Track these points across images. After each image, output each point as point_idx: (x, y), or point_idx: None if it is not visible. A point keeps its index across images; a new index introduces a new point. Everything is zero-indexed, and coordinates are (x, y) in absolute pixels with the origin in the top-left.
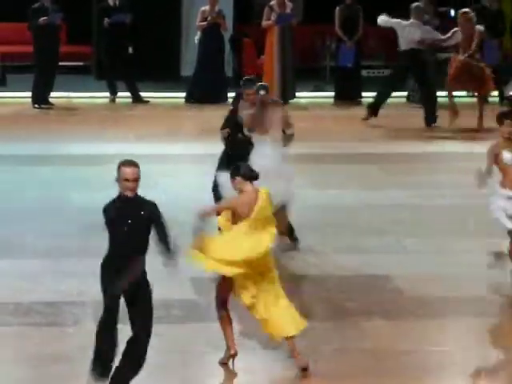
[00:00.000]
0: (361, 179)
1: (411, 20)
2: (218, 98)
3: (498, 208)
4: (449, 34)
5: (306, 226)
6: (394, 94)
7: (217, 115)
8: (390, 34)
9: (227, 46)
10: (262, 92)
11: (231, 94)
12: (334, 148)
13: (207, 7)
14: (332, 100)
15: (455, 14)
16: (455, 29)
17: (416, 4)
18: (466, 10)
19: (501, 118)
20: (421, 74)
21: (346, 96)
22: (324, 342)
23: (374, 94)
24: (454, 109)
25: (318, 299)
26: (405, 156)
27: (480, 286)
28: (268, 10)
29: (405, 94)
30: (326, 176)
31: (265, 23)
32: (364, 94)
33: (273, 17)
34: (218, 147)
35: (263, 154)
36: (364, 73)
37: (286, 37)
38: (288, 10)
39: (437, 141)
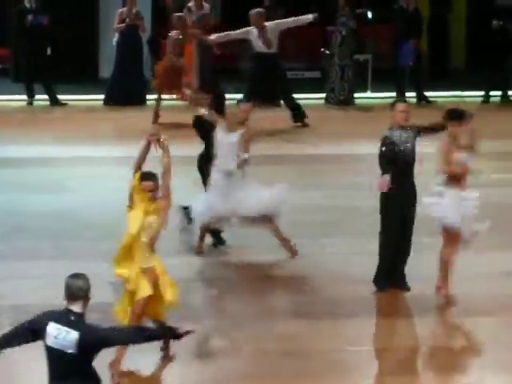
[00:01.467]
0: (277, 180)
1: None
2: (136, 100)
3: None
4: None
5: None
6: (313, 95)
7: (135, 117)
8: (312, 35)
9: (145, 48)
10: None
11: (150, 96)
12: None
13: (125, 9)
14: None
15: (372, 15)
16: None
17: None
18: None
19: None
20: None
21: (264, 98)
22: (244, 342)
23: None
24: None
25: (236, 300)
26: (319, 157)
27: (417, 284)
28: (187, 12)
29: (323, 95)
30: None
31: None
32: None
33: (191, 18)
34: (136, 149)
35: None
36: None
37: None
38: (205, 11)
39: (350, 142)
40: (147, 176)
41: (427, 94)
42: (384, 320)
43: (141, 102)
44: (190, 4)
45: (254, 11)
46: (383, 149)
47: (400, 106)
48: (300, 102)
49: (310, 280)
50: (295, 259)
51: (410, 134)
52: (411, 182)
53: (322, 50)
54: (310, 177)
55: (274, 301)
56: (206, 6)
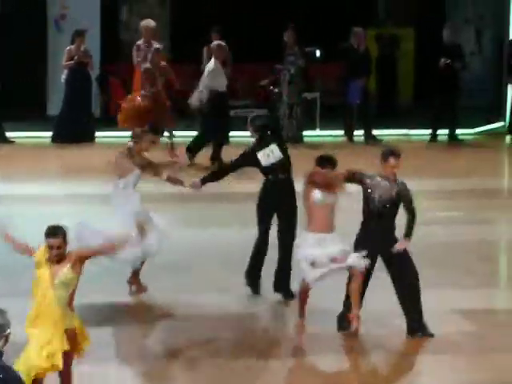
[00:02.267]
0: (219, 219)
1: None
2: (85, 138)
3: (303, 257)
4: None
5: (170, 265)
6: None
7: (84, 155)
8: (260, 73)
9: (94, 85)
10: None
11: (99, 134)
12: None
13: (73, 46)
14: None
15: (321, 54)
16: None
17: (218, 42)
18: None
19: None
20: (226, 115)
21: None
22: (195, 382)
23: (241, 133)
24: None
25: (185, 341)
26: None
27: (333, 322)
28: (136, 50)
29: None
30: (189, 215)
31: (139, 60)
32: (232, 133)
33: (140, 55)
34: (84, 187)
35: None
36: (232, 113)
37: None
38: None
39: (300, 180)
40: (54, 231)
41: (375, 132)
42: (334, 357)
43: (89, 139)
44: (139, 42)
45: (216, 43)
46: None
47: (392, 160)
48: (248, 140)
49: (256, 318)
50: (239, 296)
51: (394, 185)
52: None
53: (271, 88)
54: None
55: (212, 339)
56: (155, 43)
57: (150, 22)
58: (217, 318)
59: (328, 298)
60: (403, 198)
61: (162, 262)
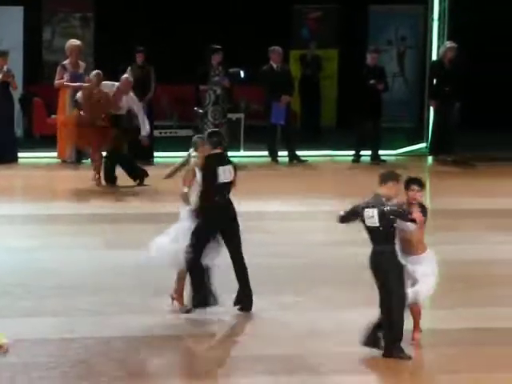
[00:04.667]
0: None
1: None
2: (7, 158)
3: None
4: None
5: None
6: (186, 154)
7: (6, 175)
8: (184, 93)
9: (17, 106)
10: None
11: (21, 154)
12: (127, 208)
13: None
14: None
15: (245, 74)
16: None
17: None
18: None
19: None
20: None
21: (138, 156)
22: None
23: (165, 154)
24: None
25: (95, 358)
26: None
27: (285, 344)
28: (61, 69)
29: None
30: (114, 237)
31: (57, 82)
32: (156, 154)
33: (66, 76)
34: (6, 208)
35: None
36: (156, 133)
37: None
38: (81, 70)
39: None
40: None
41: (299, 153)
42: (260, 379)
43: (12, 160)
44: (64, 62)
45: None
46: None
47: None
48: (173, 160)
49: (184, 339)
50: (170, 319)
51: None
52: None
53: (195, 108)
54: None
55: (151, 360)
56: (82, 64)
57: (75, 42)
58: (140, 339)
59: None
60: None
61: (80, 283)
